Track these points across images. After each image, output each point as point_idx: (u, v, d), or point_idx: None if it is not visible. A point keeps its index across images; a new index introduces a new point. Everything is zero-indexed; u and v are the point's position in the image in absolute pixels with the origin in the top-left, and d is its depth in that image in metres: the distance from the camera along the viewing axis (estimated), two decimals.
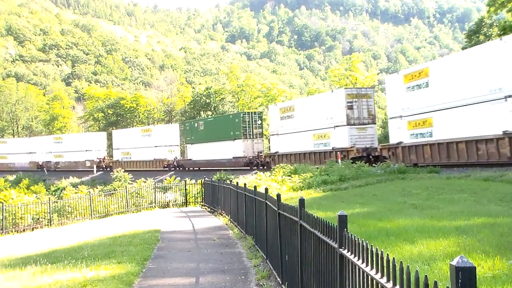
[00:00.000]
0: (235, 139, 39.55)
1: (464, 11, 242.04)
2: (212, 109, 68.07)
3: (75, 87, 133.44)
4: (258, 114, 41.39)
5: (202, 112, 65.95)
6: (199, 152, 43.99)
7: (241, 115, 40.00)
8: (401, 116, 24.72)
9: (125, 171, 43.49)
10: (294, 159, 32.73)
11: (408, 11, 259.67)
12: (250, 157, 38.35)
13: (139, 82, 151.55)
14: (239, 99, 68.15)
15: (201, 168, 43.40)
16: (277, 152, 35.42)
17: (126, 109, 78.95)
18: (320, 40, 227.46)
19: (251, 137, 39.44)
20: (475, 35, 36.67)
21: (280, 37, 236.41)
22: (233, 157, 39.35)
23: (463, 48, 36.68)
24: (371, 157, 27.81)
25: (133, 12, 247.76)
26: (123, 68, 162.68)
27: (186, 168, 44.91)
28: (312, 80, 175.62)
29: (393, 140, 25.63)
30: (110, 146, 61.49)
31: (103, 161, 54.73)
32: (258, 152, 38.74)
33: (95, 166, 53.76)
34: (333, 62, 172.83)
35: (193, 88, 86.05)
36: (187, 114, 69.72)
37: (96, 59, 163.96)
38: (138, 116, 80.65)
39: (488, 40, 33.18)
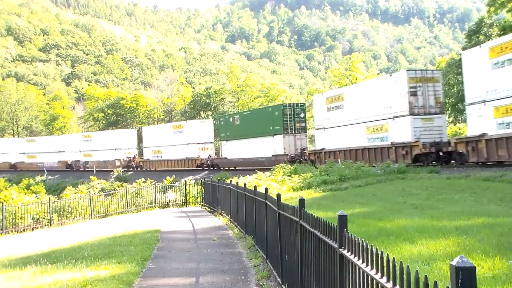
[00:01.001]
0: (275, 134, 35.42)
1: (464, 11, 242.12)
2: (212, 109, 68.12)
3: (75, 87, 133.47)
4: (301, 106, 36.80)
5: (202, 112, 66.01)
6: (235, 149, 39.71)
7: (282, 108, 35.79)
8: (484, 101, 20.42)
9: (156, 170, 42.11)
10: (344, 157, 28.57)
11: (408, 11, 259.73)
12: (292, 155, 34.30)
13: (139, 82, 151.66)
14: (239, 99, 68.20)
15: (237, 168, 39.25)
16: (323, 149, 31.44)
17: (126, 109, 79.01)
18: (320, 40, 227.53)
19: (293, 132, 35.12)
20: (475, 35, 36.71)
21: (280, 37, 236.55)
22: (273, 155, 35.22)
23: (462, 48, 36.68)
24: (441, 153, 23.50)
25: (133, 12, 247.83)
26: (123, 68, 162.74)
27: (221, 168, 40.58)
28: (312, 80, 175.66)
29: (472, 131, 21.39)
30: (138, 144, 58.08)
31: (133, 160, 51.17)
32: (301, 149, 34.92)
33: (121, 167, 49.17)
34: (333, 62, 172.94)
35: (193, 88, 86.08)
36: (187, 114, 69.76)
37: (96, 59, 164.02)
38: (138, 116, 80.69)
39: (488, 40, 33.21)
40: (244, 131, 38.65)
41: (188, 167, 43.93)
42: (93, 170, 50.60)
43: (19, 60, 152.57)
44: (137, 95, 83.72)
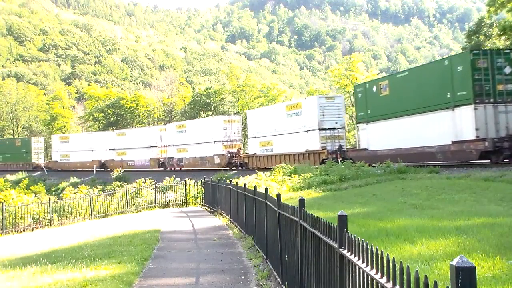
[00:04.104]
0: (456, 105, 21.39)
1: (464, 11, 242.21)
2: (212, 109, 68.10)
3: (75, 87, 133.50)
4: (504, 54, 21.57)
5: (202, 112, 65.96)
6: (382, 135, 26.00)
7: (470, 57, 20.90)
8: None
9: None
10: None
11: (408, 11, 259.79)
12: (496, 140, 20.15)
13: (139, 82, 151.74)
14: (239, 99, 68.17)
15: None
16: None
17: (126, 109, 79.01)
18: (320, 40, 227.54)
19: (494, 99, 20.70)
20: (475, 35, 36.66)
21: (280, 37, 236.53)
22: (453, 142, 21.43)
23: (463, 48, 36.69)
24: None
25: (133, 12, 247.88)
26: (123, 68, 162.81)
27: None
28: (312, 80, 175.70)
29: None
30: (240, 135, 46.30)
31: (236, 156, 40.19)
32: None
33: (223, 164, 39.73)
34: (333, 62, 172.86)
35: (193, 88, 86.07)
36: (187, 114, 69.75)
37: (96, 59, 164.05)
38: (138, 116, 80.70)
39: (488, 40, 33.23)
40: (397, 104, 24.74)
41: (308, 164, 30.16)
42: (190, 170, 40.57)
43: (19, 60, 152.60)
44: (137, 95, 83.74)
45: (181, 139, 45.52)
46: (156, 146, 48.84)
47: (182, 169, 43.99)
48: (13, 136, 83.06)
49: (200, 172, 37.87)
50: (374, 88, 27.02)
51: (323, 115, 31.32)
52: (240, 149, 41.64)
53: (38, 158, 65.14)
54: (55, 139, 65.37)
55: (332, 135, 31.28)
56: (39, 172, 60.72)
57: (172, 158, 46.25)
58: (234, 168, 39.02)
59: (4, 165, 66.01)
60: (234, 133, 41.57)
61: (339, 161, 28.31)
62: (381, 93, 26.35)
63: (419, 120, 23.55)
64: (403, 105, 24.52)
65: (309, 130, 31.93)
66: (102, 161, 55.25)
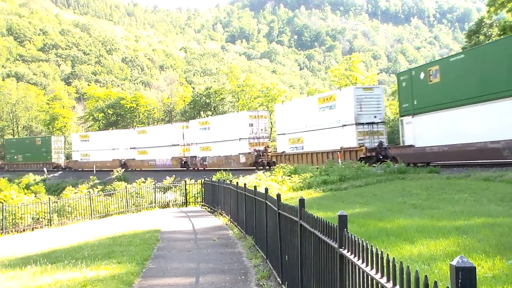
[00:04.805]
0: None
1: (464, 11, 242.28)
2: (212, 109, 68.10)
3: (75, 87, 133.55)
4: None
5: (202, 112, 65.94)
6: (433, 129, 22.08)
7: None
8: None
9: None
10: None
11: (408, 11, 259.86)
12: None
13: (139, 82, 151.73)
14: (239, 99, 68.17)
15: (440, 164, 22.14)
16: None
17: (126, 109, 79.01)
18: (320, 40, 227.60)
19: None
20: (475, 35, 36.67)
21: (280, 37, 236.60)
22: None
23: (463, 48, 36.68)
24: None
25: (133, 12, 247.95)
26: (123, 68, 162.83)
27: (410, 164, 22.81)
28: (312, 80, 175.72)
29: None
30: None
31: (263, 155, 37.25)
32: None
33: (248, 163, 37.06)
34: (333, 62, 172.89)
35: (193, 88, 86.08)
36: (187, 114, 69.74)
37: (96, 59, 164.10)
38: (138, 116, 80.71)
39: (488, 40, 33.22)
40: (451, 93, 21.18)
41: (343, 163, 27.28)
42: (214, 170, 36.49)
43: (19, 60, 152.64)
44: (137, 95, 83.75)
45: (204, 136, 42.82)
46: (178, 145, 46.24)
47: (205, 168, 41.45)
48: (13, 136, 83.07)
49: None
50: (422, 75, 23.08)
51: (360, 108, 28.04)
52: (267, 147, 38.67)
53: (58, 157, 63.09)
54: (75, 137, 63.03)
55: (370, 130, 28.12)
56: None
57: (195, 157, 43.71)
58: (261, 167, 35.90)
59: (24, 165, 64.51)
60: (261, 130, 38.52)
61: (381, 157, 26.11)
62: (430, 81, 22.44)
63: (479, 110, 19.62)
64: (458, 94, 20.77)
65: (345, 125, 28.76)
66: (123, 160, 52.60)
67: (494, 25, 35.35)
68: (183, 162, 45.22)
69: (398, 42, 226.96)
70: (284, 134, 34.96)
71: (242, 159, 37.60)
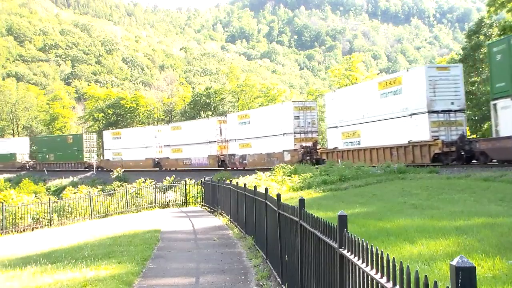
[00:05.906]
0: None
1: (464, 11, 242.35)
2: (212, 109, 68.11)
3: (75, 87, 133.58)
4: None
5: (202, 112, 65.96)
6: None
7: None
8: None
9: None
10: None
11: (408, 11, 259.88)
12: None
13: (139, 82, 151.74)
14: (239, 99, 68.19)
15: None
16: None
17: (126, 109, 79.02)
18: (320, 40, 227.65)
19: None
20: (475, 35, 36.69)
21: (280, 37, 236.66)
22: None
23: (462, 49, 36.65)
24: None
25: (133, 12, 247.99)
26: (123, 68, 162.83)
27: (505, 162, 19.17)
28: (312, 80, 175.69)
29: None
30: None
31: (311, 151, 33.21)
32: None
33: (295, 161, 32.01)
34: (333, 62, 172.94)
35: (193, 88, 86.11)
36: (187, 114, 69.77)
37: (96, 59, 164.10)
38: (138, 116, 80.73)
39: (488, 40, 33.22)
40: None
41: (413, 162, 23.29)
42: (253, 169, 33.37)
43: (19, 60, 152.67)
44: (137, 95, 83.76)
45: (244, 132, 38.43)
46: (215, 141, 41.90)
47: (245, 168, 37.57)
48: (13, 136, 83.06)
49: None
50: None
51: (434, 92, 22.74)
52: (316, 142, 34.28)
53: (90, 156, 58.71)
54: (106, 135, 58.45)
55: (447, 120, 22.74)
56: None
57: (233, 155, 39.45)
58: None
59: (55, 165, 61.36)
60: (309, 124, 33.98)
61: (459, 154, 21.37)
62: None
63: None
64: None
65: (414, 114, 23.62)
66: (156, 159, 48.86)
67: (494, 25, 35.36)
68: (220, 161, 41.39)
69: (398, 42, 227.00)
70: (337, 127, 30.29)
71: (287, 157, 33.12)
